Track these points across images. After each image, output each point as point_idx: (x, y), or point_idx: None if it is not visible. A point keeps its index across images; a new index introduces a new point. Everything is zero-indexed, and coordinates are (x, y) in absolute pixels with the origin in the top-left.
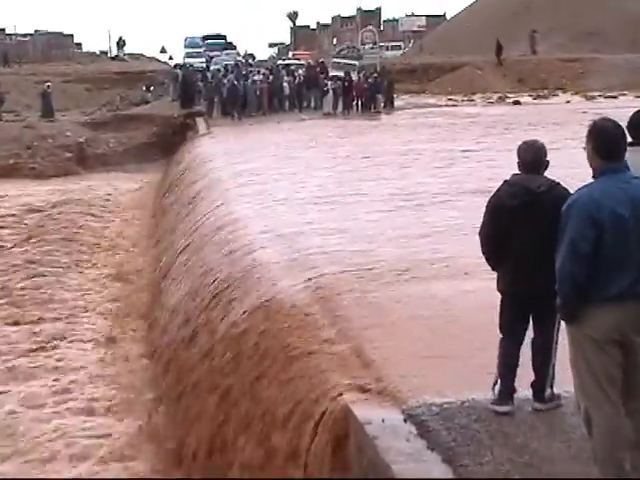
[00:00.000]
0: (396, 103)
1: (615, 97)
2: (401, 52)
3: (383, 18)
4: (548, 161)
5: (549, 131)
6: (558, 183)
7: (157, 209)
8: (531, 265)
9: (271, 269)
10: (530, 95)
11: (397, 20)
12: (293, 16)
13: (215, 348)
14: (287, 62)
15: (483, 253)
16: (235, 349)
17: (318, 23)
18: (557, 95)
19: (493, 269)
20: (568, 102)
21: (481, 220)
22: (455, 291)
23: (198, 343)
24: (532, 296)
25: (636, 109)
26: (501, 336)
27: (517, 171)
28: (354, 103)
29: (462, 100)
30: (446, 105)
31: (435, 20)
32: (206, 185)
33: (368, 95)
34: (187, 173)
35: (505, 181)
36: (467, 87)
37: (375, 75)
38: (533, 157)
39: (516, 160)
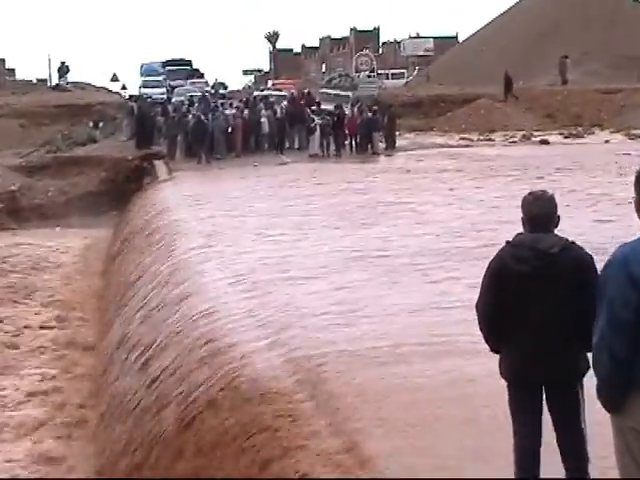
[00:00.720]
0: (398, 142)
1: None
2: (404, 81)
3: (382, 40)
4: (559, 216)
5: (583, 177)
6: (573, 242)
7: (108, 277)
8: (543, 344)
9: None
10: (561, 133)
11: (399, 43)
12: (273, 38)
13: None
14: (266, 93)
15: (481, 330)
16: (192, 445)
17: (303, 46)
18: (593, 133)
19: (493, 350)
20: (607, 142)
21: (478, 290)
22: (458, 372)
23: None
24: (546, 382)
25: None
26: (513, 434)
27: (512, 232)
28: (347, 143)
29: (478, 139)
30: (458, 145)
31: (445, 43)
32: (165, 247)
33: (364, 133)
34: (143, 230)
35: (507, 242)
36: (484, 123)
37: (373, 109)
38: (540, 211)
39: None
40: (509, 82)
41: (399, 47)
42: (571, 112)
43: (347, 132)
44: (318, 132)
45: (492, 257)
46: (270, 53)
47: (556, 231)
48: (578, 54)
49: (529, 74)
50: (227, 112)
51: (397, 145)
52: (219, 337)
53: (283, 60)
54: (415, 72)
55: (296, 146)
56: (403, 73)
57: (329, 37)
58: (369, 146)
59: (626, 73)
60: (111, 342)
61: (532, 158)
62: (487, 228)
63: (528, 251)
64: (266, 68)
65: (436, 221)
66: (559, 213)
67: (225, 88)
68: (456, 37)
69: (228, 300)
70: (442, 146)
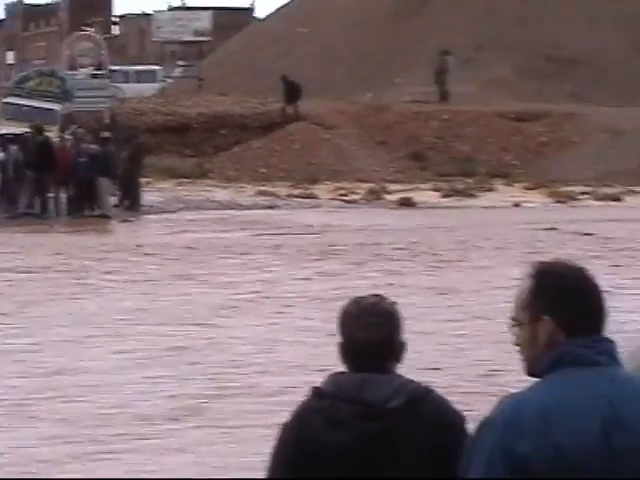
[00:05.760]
0: (147, 198)
1: (617, 199)
2: (157, 86)
3: (117, 11)
4: (404, 343)
5: (466, 273)
6: (429, 390)
7: None
8: None
9: None
10: (437, 189)
11: (149, 16)
12: None
13: None
14: None
15: None
16: None
17: None
18: (494, 190)
19: None
20: (517, 205)
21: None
22: None
23: None
24: None
25: None
26: None
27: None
28: (52, 196)
29: (290, 195)
30: (255, 205)
31: (232, 19)
32: None
33: (82, 179)
34: None
35: (315, 390)
36: (302, 167)
37: (103, 136)
38: (371, 335)
39: None
40: (293, 89)
41: (149, 25)
42: (455, 152)
43: (52, 176)
44: None
45: (287, 420)
46: None
47: (400, 368)
48: (469, 48)
49: (382, 81)
50: None
51: (146, 202)
52: None
53: None
54: (178, 71)
55: None
56: (155, 72)
57: (20, 2)
58: (92, 202)
59: (550, 85)
60: None
61: (382, 233)
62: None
63: (349, 406)
64: None
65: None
66: (404, 337)
67: None
68: (251, 10)
69: None
70: (225, 207)
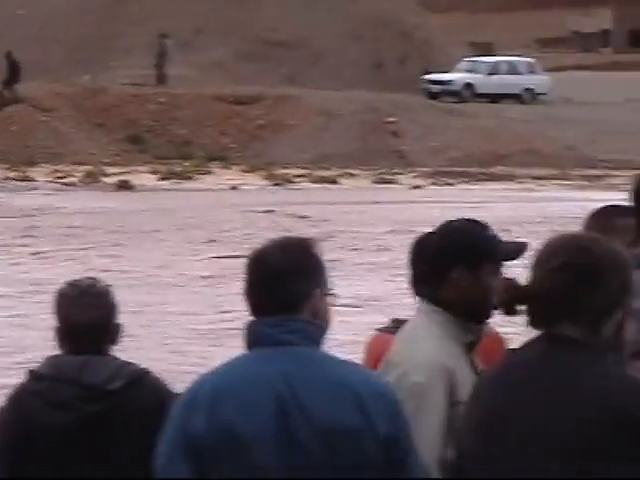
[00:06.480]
0: None
1: (333, 181)
2: None
3: None
4: (119, 324)
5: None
6: (145, 371)
7: None
8: None
9: None
10: (156, 173)
11: None
12: None
13: None
14: None
15: None
16: None
17: None
18: (212, 173)
19: None
20: (234, 188)
21: None
22: None
23: None
24: None
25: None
26: None
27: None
28: None
29: (7, 178)
30: None
31: None
32: None
33: None
34: None
35: (32, 372)
36: (19, 149)
37: None
38: (86, 316)
39: None
40: (14, 69)
41: None
42: (173, 134)
43: None
44: None
45: (3, 404)
46: None
47: (118, 351)
48: (187, 32)
49: (99, 64)
50: None
51: None
52: None
53: None
54: None
55: None
56: None
57: None
58: None
59: (267, 68)
60: None
61: (96, 216)
62: None
63: (69, 387)
64: None
65: None
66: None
67: None
68: None
69: None
70: None
